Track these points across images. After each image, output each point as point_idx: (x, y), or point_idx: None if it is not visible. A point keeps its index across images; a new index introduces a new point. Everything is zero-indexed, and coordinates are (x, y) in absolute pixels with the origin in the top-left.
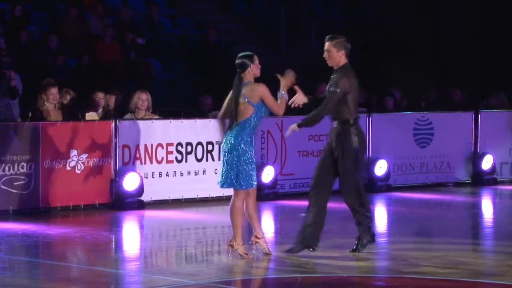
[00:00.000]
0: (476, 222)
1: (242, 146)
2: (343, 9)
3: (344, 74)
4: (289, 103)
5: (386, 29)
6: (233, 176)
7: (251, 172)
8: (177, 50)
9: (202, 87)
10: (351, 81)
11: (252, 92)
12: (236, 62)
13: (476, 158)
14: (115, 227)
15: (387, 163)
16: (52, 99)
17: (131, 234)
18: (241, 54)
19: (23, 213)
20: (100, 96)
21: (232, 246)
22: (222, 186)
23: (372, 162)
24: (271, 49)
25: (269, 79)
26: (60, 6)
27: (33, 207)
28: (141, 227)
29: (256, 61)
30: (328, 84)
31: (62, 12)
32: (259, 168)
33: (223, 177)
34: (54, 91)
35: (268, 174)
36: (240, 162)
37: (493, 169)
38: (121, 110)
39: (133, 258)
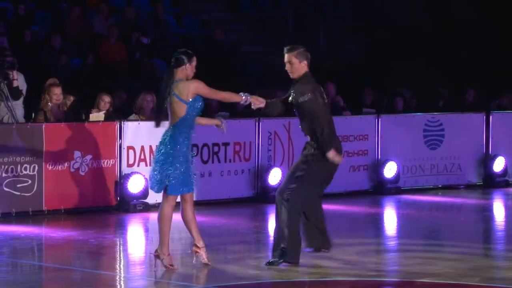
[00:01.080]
0: (488, 225)
1: (178, 147)
2: (351, 7)
3: (307, 82)
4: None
5: (396, 28)
6: (165, 179)
7: (186, 176)
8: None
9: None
10: (315, 89)
11: (184, 90)
12: (174, 56)
13: (487, 160)
14: (120, 229)
15: (397, 165)
16: (55, 100)
17: (136, 237)
18: (181, 50)
19: (26, 216)
20: (106, 100)
21: (158, 256)
22: (154, 190)
23: (381, 164)
24: (278, 48)
25: (277, 79)
26: (63, 5)
27: (36, 209)
28: (146, 230)
29: (194, 62)
30: (291, 96)
31: (66, 11)
32: (266, 170)
33: (154, 180)
34: (57, 91)
35: (275, 176)
36: (175, 165)
37: (505, 171)
38: (126, 111)
39: (138, 261)
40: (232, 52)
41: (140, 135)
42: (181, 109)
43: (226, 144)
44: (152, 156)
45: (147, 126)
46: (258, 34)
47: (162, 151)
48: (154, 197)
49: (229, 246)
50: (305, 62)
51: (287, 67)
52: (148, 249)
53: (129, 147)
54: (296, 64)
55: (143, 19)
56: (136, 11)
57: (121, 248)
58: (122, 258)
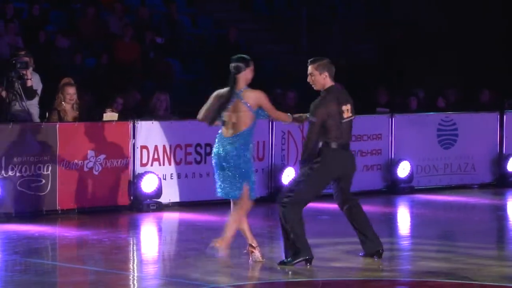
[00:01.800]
0: (502, 225)
1: (248, 155)
2: (366, 7)
3: (323, 101)
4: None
5: (410, 27)
6: (248, 185)
7: (254, 181)
8: (197, 49)
9: (222, 87)
10: (329, 109)
11: (250, 99)
12: (232, 62)
13: (501, 159)
14: (133, 229)
15: (410, 164)
16: (69, 99)
17: (149, 237)
18: (238, 56)
19: (40, 215)
20: (119, 101)
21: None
22: (227, 197)
23: (395, 163)
24: (292, 48)
25: (289, 79)
26: (78, 5)
27: (50, 209)
28: (160, 230)
29: (251, 66)
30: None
31: (80, 11)
32: (280, 170)
33: (225, 187)
34: (71, 90)
35: (288, 176)
36: (248, 171)
37: None
38: (139, 111)
39: (151, 261)
40: (246, 52)
41: (154, 134)
42: (249, 117)
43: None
44: (165, 155)
45: (161, 125)
46: (272, 34)
47: (241, 160)
48: (168, 197)
49: (243, 246)
50: (326, 73)
51: (309, 79)
52: (162, 248)
53: (142, 147)
54: (316, 76)
55: (158, 19)
56: (150, 11)
57: (134, 247)
58: (135, 258)
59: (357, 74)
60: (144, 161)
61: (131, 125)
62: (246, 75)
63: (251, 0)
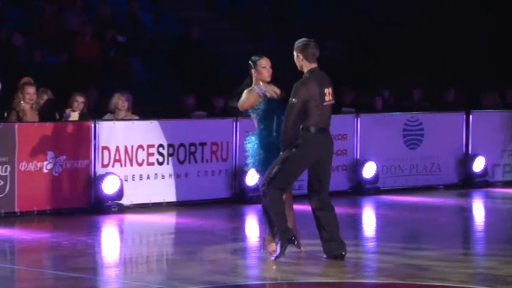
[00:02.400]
0: (467, 226)
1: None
2: (333, 6)
3: (305, 82)
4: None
5: (376, 28)
6: None
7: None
8: (159, 47)
9: (184, 86)
10: (310, 90)
11: None
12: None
13: (467, 160)
14: (94, 231)
15: (376, 165)
16: (28, 99)
17: (110, 239)
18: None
19: None
20: (79, 100)
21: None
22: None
23: (360, 164)
24: (256, 46)
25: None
26: (37, 2)
27: (8, 211)
28: (121, 232)
29: (258, 66)
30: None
31: (40, 8)
32: (243, 171)
33: None
34: (31, 90)
35: (252, 177)
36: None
37: (485, 171)
38: (99, 110)
39: (112, 264)
40: (209, 50)
41: (115, 135)
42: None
43: (203, 144)
44: (127, 156)
45: (122, 126)
46: (236, 33)
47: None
48: (129, 199)
49: (206, 247)
50: (301, 55)
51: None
52: (123, 251)
53: (103, 148)
54: (295, 58)
55: (119, 17)
56: (111, 9)
57: (95, 250)
58: (96, 261)
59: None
60: (106, 162)
61: (92, 125)
62: (254, 74)
63: None
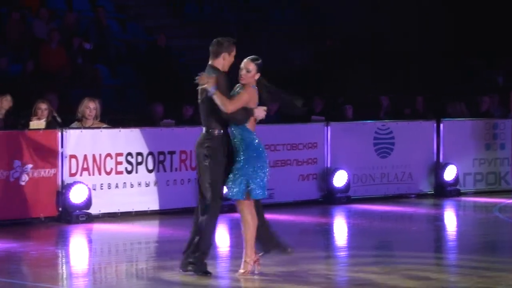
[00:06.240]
0: (439, 235)
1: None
2: (297, 14)
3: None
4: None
5: (341, 36)
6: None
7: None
8: (126, 55)
9: (151, 94)
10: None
11: None
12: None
13: (438, 168)
14: (62, 241)
15: (347, 174)
16: None
17: (78, 249)
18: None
19: None
20: (43, 107)
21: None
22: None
23: (331, 173)
24: None
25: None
26: (2, 10)
27: None
28: (89, 241)
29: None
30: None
31: (5, 15)
32: None
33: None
34: None
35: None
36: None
37: (456, 180)
38: (65, 120)
39: (81, 274)
40: (176, 57)
41: (83, 143)
42: None
43: (172, 153)
44: (95, 165)
45: (90, 134)
46: (203, 40)
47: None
48: (97, 208)
49: (176, 256)
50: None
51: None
52: (92, 261)
53: (71, 156)
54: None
55: (86, 24)
56: (77, 16)
57: (63, 260)
58: (64, 271)
59: (291, 81)
60: (73, 170)
61: (59, 133)
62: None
63: (181, 6)
